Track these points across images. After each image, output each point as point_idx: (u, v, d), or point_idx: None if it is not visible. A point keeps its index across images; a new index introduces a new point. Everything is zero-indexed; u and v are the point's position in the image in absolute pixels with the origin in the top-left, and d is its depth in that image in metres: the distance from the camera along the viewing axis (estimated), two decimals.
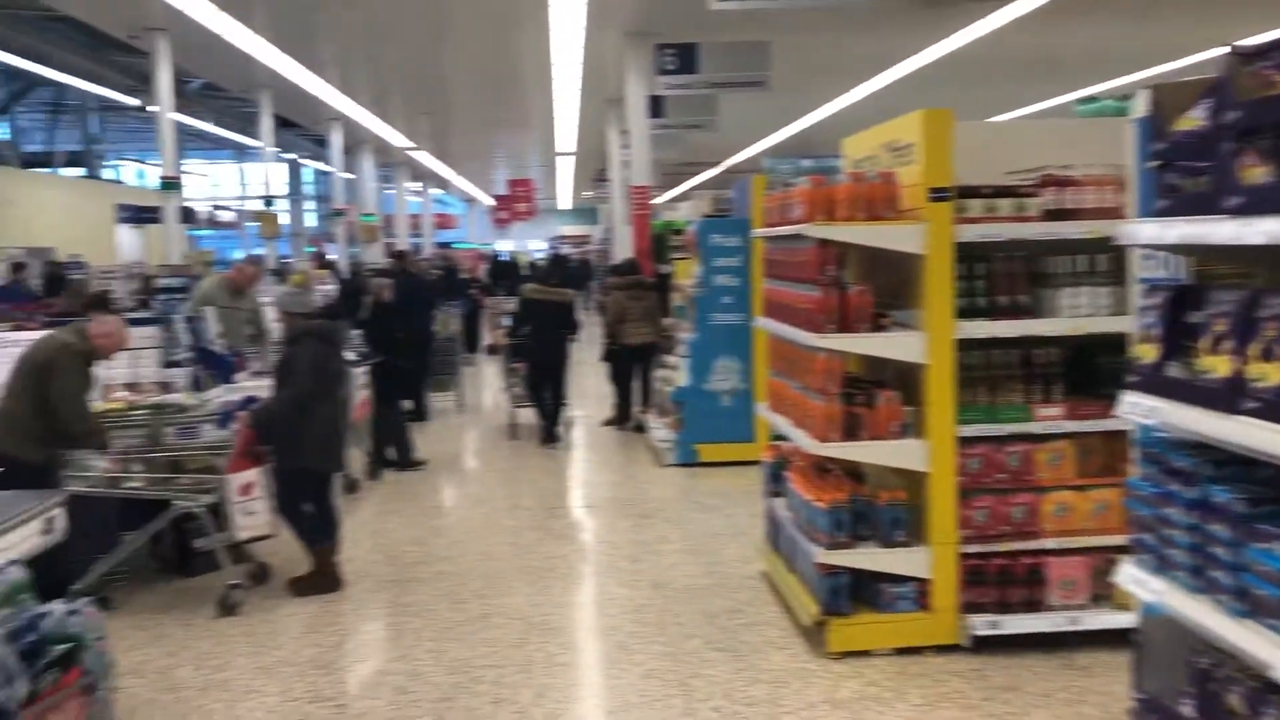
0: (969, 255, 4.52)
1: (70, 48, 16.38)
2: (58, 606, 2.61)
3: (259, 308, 8.91)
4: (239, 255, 16.99)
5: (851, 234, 4.60)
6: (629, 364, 10.43)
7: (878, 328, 4.62)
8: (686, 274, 9.64)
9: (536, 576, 6.09)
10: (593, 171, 28.65)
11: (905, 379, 4.70)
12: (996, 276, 4.56)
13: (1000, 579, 4.56)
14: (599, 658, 4.88)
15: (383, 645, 5.16)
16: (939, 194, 4.49)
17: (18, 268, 15.41)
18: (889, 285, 4.77)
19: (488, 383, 14.21)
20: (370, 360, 8.41)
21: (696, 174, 30.06)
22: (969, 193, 4.55)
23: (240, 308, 8.73)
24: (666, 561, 6.25)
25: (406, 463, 8.92)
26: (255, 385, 6.76)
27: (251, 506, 5.61)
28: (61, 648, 2.44)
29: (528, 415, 10.37)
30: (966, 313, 4.52)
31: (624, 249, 17.17)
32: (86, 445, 5.51)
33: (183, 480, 5.75)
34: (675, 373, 9.34)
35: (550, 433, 10.01)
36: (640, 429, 10.25)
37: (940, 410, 4.54)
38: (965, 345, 4.53)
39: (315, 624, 5.41)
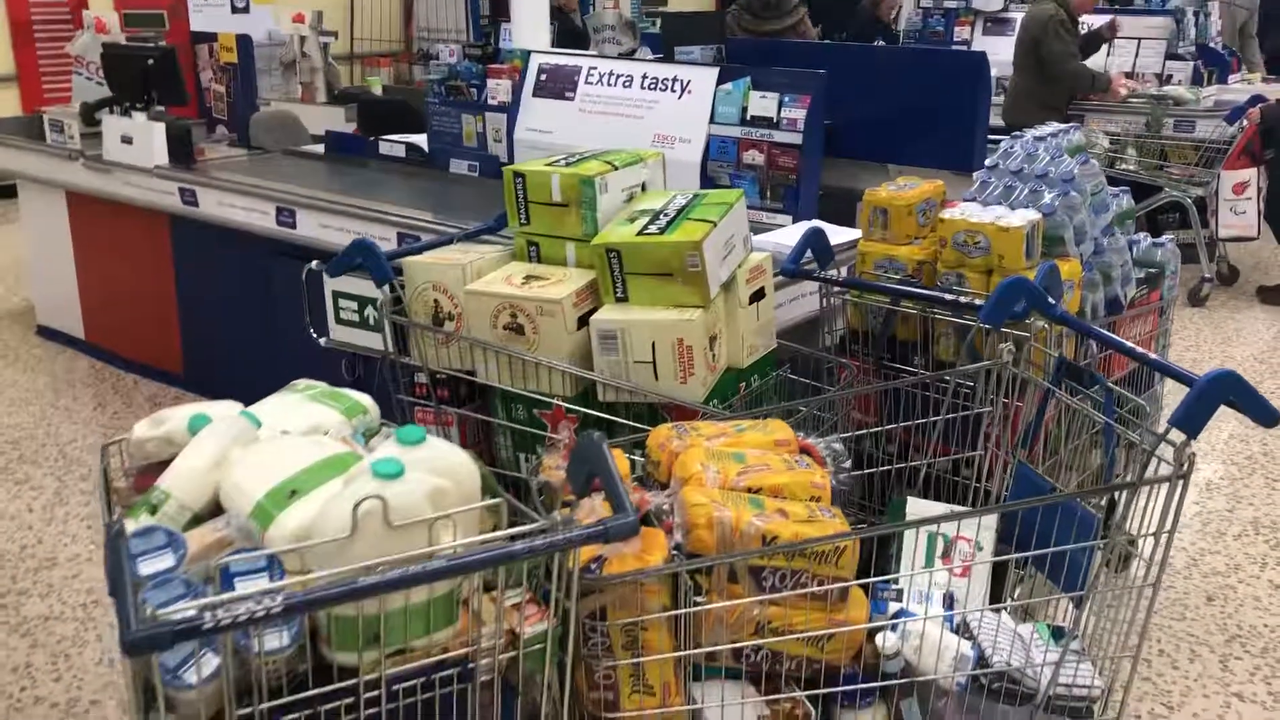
0: None
1: None
2: (1146, 236, 2.99)
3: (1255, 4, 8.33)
4: None
5: None
6: None
7: None
8: None
9: None
10: None
11: None
12: None
13: None
14: None
15: None
16: None
17: None
18: None
19: None
20: None
21: None
22: None
23: (1240, 5, 8.24)
24: None
25: None
26: (1257, 87, 6.50)
27: (1240, 206, 5.61)
28: (1146, 270, 2.85)
29: None
30: None
31: None
32: (1090, 92, 6.05)
33: (1173, 170, 5.91)
34: None
35: None
36: None
37: None
38: None
39: None
